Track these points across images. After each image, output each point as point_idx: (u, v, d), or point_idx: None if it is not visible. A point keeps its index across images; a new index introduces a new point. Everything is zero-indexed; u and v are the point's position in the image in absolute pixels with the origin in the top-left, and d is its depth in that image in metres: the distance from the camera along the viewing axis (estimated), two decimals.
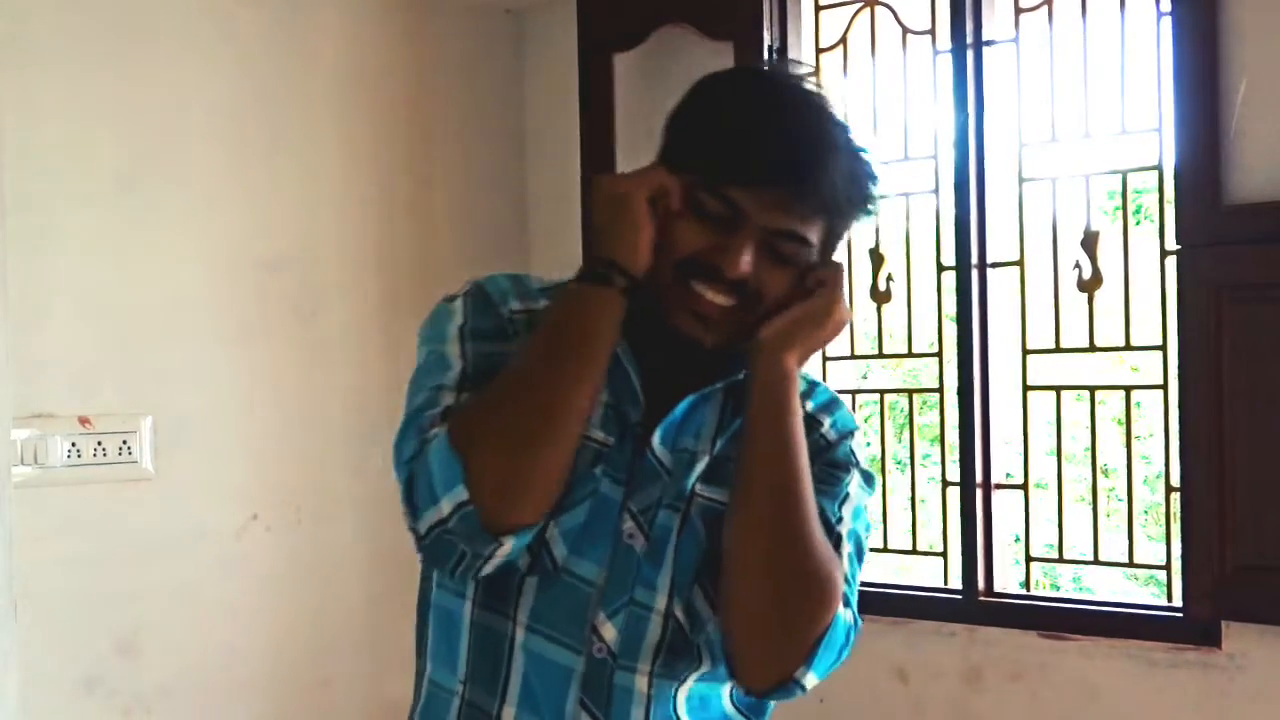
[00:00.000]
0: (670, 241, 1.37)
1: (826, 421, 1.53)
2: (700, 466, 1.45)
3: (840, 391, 3.64)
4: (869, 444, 3.87)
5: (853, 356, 3.68)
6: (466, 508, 1.29)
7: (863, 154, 1.41)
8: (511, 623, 1.40)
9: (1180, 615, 3.01)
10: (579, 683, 1.39)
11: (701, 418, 1.47)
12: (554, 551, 1.38)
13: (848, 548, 1.48)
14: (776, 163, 1.35)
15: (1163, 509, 3.24)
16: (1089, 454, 3.33)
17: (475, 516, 1.29)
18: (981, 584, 3.31)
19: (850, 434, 1.55)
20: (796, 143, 1.35)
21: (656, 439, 1.43)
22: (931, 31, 3.42)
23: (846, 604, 1.44)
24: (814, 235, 1.38)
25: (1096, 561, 3.33)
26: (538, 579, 1.39)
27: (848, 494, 1.52)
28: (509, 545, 1.31)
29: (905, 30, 3.47)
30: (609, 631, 1.39)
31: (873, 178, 1.42)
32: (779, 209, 1.35)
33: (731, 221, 1.36)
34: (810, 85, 1.41)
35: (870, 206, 1.42)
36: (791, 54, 3.59)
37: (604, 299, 1.36)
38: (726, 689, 1.47)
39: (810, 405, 1.52)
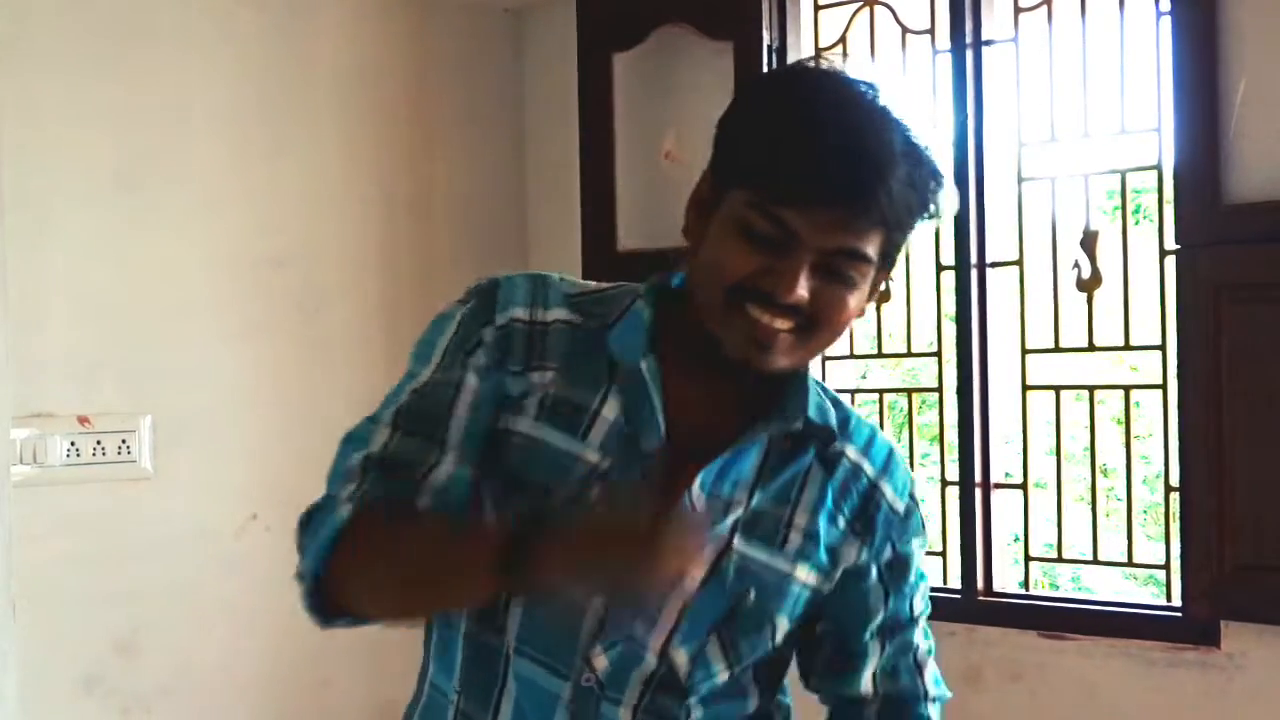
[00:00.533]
0: (719, 264, 1.30)
1: (886, 487, 1.48)
2: (734, 517, 1.39)
3: (839, 391, 3.64)
4: None
5: (852, 356, 3.68)
6: (312, 589, 1.35)
7: (924, 155, 1.31)
8: (503, 642, 1.38)
9: (1179, 615, 3.01)
10: (566, 711, 1.37)
11: (744, 463, 1.40)
12: None
13: (929, 665, 1.56)
14: (830, 182, 1.26)
15: (1162, 509, 3.24)
16: (1088, 454, 3.33)
17: (318, 599, 1.35)
18: (981, 583, 3.31)
19: (917, 501, 1.51)
20: (851, 159, 1.26)
21: (698, 484, 1.37)
22: (931, 31, 3.42)
23: None
24: (872, 249, 1.30)
25: (1096, 561, 3.33)
26: (523, 607, 1.36)
27: (920, 580, 1.54)
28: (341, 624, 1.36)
29: (904, 30, 3.47)
30: (600, 662, 1.37)
31: (936, 177, 1.32)
32: (835, 229, 1.27)
33: (784, 244, 1.28)
34: (865, 87, 1.30)
35: (933, 209, 1.34)
36: (790, 54, 3.59)
37: (481, 569, 1.21)
38: None
39: (851, 449, 1.47)
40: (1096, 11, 3.18)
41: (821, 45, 3.60)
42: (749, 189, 1.29)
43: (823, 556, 1.44)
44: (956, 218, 3.32)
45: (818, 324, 1.32)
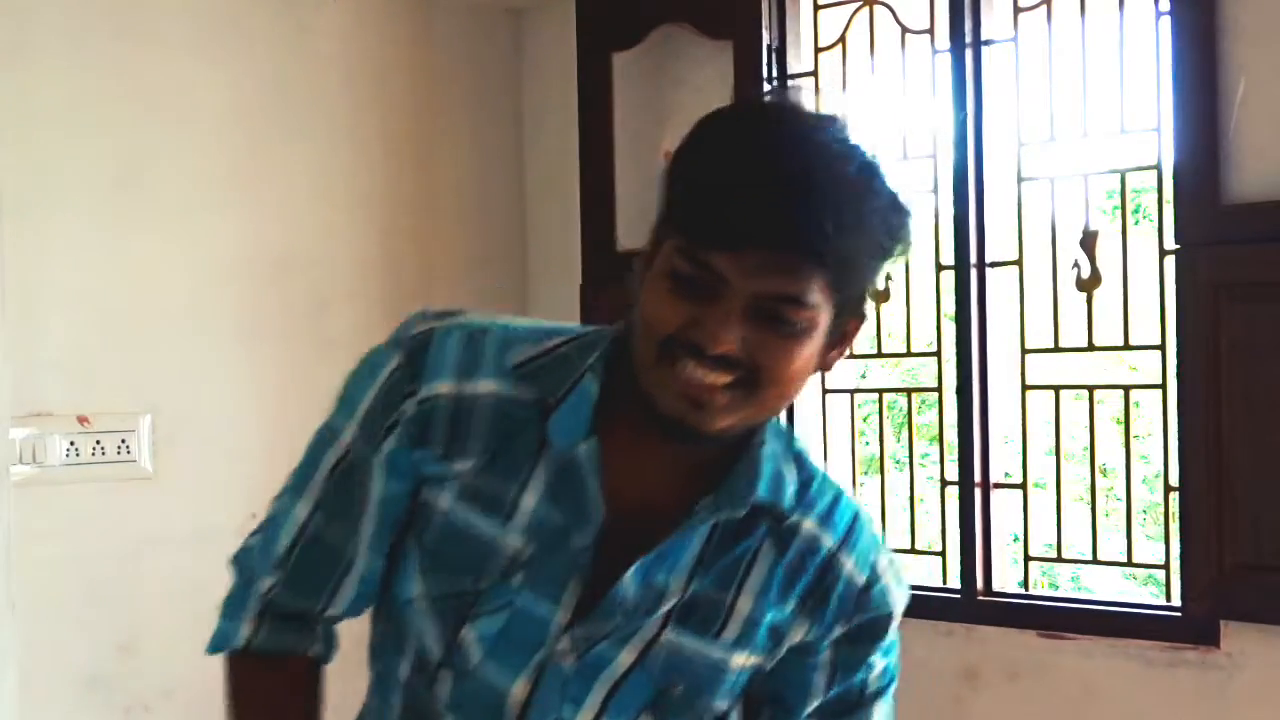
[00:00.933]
0: (650, 317, 1.20)
1: (846, 560, 1.35)
2: (668, 606, 1.30)
3: (838, 391, 3.65)
4: (868, 443, 3.91)
5: (851, 356, 3.67)
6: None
7: (879, 191, 1.19)
8: (434, 706, 1.34)
9: (1179, 615, 3.01)
10: None
11: (685, 548, 1.30)
12: (468, 653, 1.30)
13: None
14: (759, 221, 1.15)
15: (1161, 508, 3.24)
16: (1088, 453, 3.33)
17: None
18: (980, 583, 3.31)
19: (883, 571, 1.38)
20: (784, 197, 1.14)
21: (630, 577, 1.28)
22: (930, 31, 3.42)
23: None
24: (815, 294, 1.17)
25: (1095, 561, 3.33)
26: (452, 673, 1.32)
27: (884, 654, 1.39)
28: None
29: (904, 29, 3.47)
30: None
31: (895, 213, 1.20)
32: (766, 271, 1.16)
33: (713, 290, 1.17)
34: (814, 121, 1.20)
35: (890, 248, 1.21)
36: (790, 54, 3.60)
37: None
38: None
39: (809, 521, 1.35)
40: (1096, 11, 3.17)
41: (821, 45, 3.60)
42: (679, 235, 1.19)
43: (764, 638, 1.34)
44: (956, 217, 3.33)
45: (760, 378, 1.20)
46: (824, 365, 1.27)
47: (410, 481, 1.31)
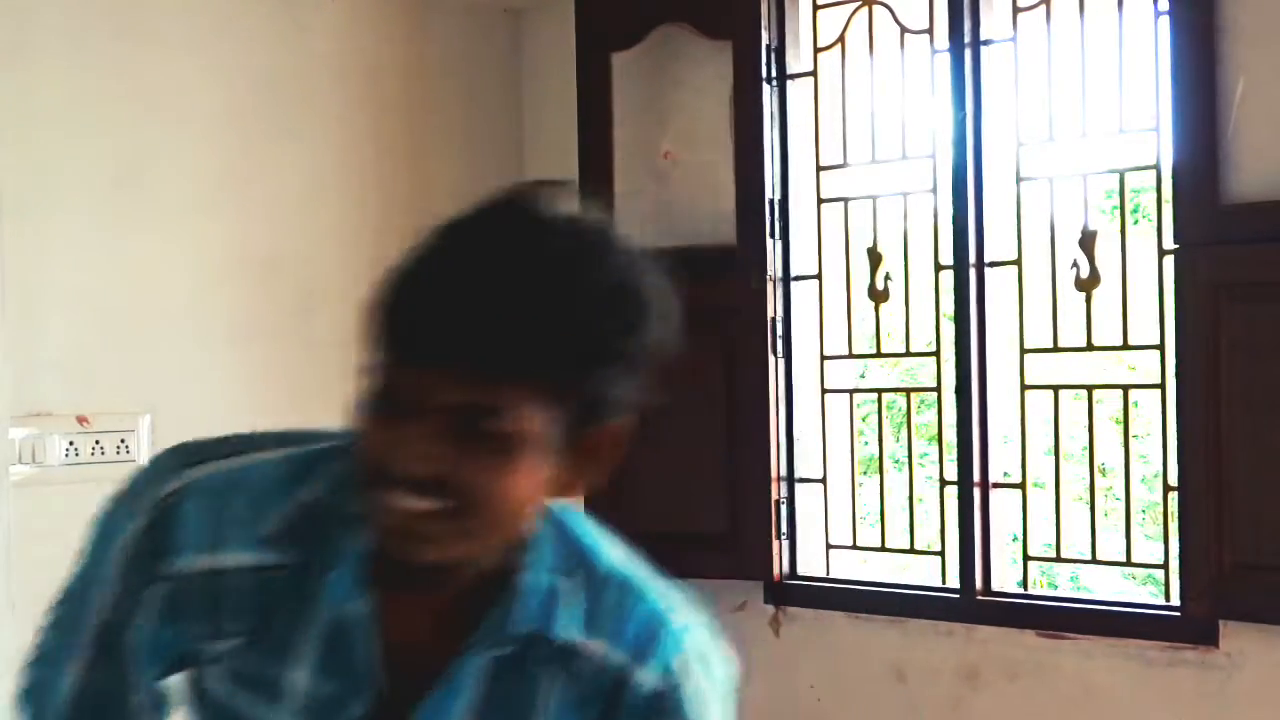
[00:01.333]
0: (358, 447, 1.12)
1: (642, 672, 1.20)
2: None
3: (838, 391, 3.65)
4: (866, 443, 3.91)
5: (850, 355, 3.68)
6: None
7: (612, 296, 1.09)
8: None
9: (1178, 614, 3.01)
10: None
11: (452, 694, 1.19)
12: None
13: None
14: (439, 335, 1.06)
15: (1160, 508, 3.25)
16: (1087, 453, 3.33)
17: None
18: (979, 583, 3.31)
19: (695, 671, 1.23)
20: (478, 305, 1.05)
21: None
22: (929, 31, 3.42)
23: None
24: (521, 407, 1.07)
25: (1094, 560, 3.34)
26: None
27: None
28: None
29: (903, 29, 3.47)
30: None
31: (625, 314, 1.09)
32: (458, 383, 1.06)
33: (405, 409, 1.08)
34: (546, 225, 1.11)
35: (622, 349, 1.09)
36: (789, 53, 3.60)
37: None
38: None
39: (596, 642, 1.20)
40: (1095, 11, 3.18)
41: (820, 44, 3.60)
42: (376, 353, 1.11)
43: None
44: (955, 217, 3.33)
45: (473, 502, 1.08)
46: (575, 481, 1.14)
47: (173, 655, 1.21)
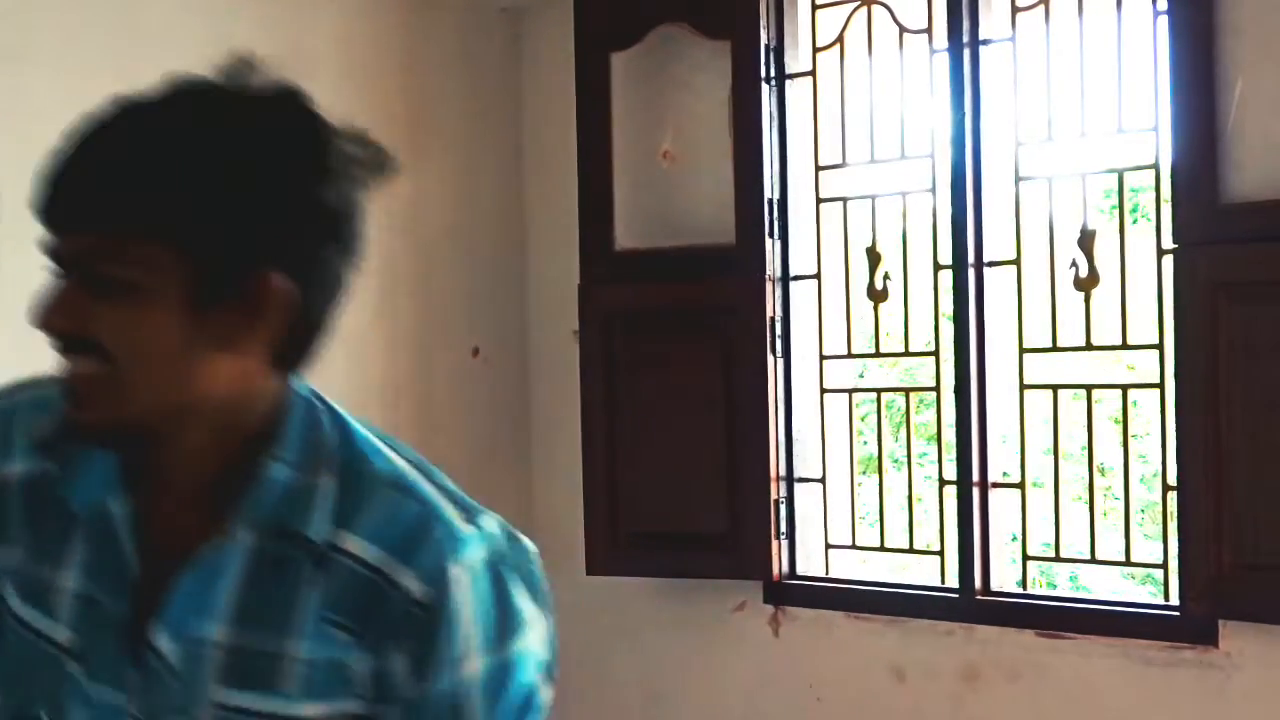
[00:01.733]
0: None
1: (403, 575, 1.13)
2: (216, 661, 1.14)
3: (837, 390, 3.65)
4: (865, 442, 3.91)
5: (849, 355, 3.68)
6: None
7: (155, 135, 1.18)
8: None
9: (1177, 614, 3.01)
10: None
11: (202, 591, 1.14)
12: None
13: None
14: (41, 196, 1.21)
15: (1159, 507, 3.25)
16: (1086, 453, 3.33)
17: None
18: (978, 583, 3.31)
19: (469, 584, 1.14)
20: (54, 165, 1.20)
21: (160, 636, 1.14)
22: (928, 30, 3.42)
23: None
24: (134, 254, 1.12)
25: (1093, 560, 3.34)
26: None
27: (488, 696, 1.15)
28: None
29: (902, 29, 3.47)
30: None
31: (177, 147, 1.15)
32: (78, 241, 1.16)
33: (56, 274, 1.18)
34: (154, 95, 1.23)
35: (234, 204, 1.13)
36: (788, 53, 3.60)
37: None
38: None
39: (354, 540, 1.14)
40: (1094, 11, 3.18)
41: (819, 44, 3.60)
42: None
43: (331, 681, 1.14)
44: (954, 217, 3.33)
45: (107, 355, 1.11)
46: (239, 338, 1.14)
47: None
